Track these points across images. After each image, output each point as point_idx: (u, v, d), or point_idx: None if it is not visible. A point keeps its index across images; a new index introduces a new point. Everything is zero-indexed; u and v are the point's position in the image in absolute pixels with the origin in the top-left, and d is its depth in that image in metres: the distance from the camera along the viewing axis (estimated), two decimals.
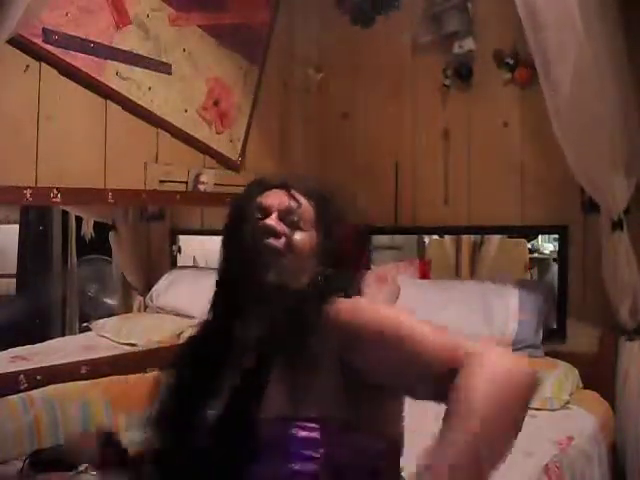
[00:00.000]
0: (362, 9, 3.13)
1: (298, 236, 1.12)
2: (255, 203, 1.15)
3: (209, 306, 1.18)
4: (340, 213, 1.20)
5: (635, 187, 2.45)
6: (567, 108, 2.34)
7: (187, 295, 2.76)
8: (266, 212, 1.14)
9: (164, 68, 2.65)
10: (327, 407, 1.01)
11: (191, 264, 3.14)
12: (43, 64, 2.25)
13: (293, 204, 1.14)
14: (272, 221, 1.12)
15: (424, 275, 3.13)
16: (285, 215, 1.13)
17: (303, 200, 1.16)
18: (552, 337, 2.76)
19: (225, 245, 1.18)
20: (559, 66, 2.29)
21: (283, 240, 1.11)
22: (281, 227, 1.11)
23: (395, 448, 1.11)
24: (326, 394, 1.01)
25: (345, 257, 1.17)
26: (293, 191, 1.16)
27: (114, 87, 2.46)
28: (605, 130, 2.34)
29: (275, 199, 1.15)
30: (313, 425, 0.99)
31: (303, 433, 0.99)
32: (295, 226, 1.13)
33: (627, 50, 2.38)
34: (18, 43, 2.13)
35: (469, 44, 2.90)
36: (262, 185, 1.19)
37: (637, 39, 2.43)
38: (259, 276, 1.09)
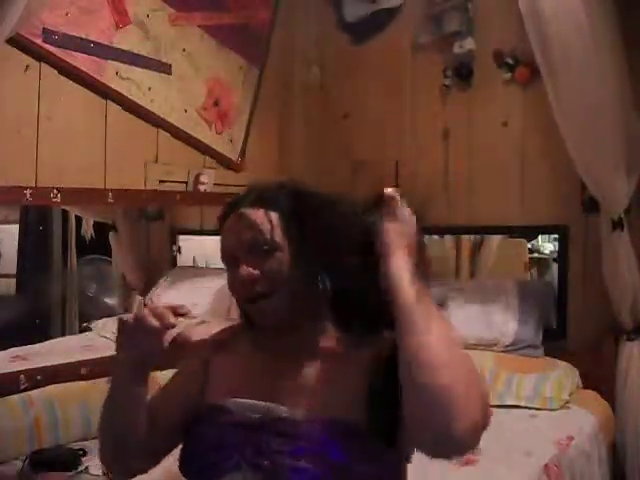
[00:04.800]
0: (360, 29, 3.18)
1: (273, 263, 1.01)
2: (223, 248, 1.06)
3: None
4: (318, 206, 1.04)
5: (635, 187, 2.45)
6: (569, 102, 2.34)
7: (187, 295, 2.75)
8: (234, 259, 1.04)
9: (164, 68, 2.65)
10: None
11: (191, 264, 3.14)
12: (43, 64, 2.25)
13: (254, 235, 1.02)
14: (243, 272, 1.02)
15: None
16: (251, 250, 1.02)
17: (264, 219, 1.03)
18: (552, 337, 2.76)
19: None
20: (561, 60, 2.29)
21: (260, 283, 1.02)
22: (249, 273, 1.01)
23: None
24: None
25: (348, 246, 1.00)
26: (254, 213, 1.04)
27: (114, 87, 2.46)
28: (606, 126, 2.34)
29: (236, 241, 1.04)
30: None
31: None
32: (267, 253, 1.02)
33: (625, 50, 2.39)
34: (18, 43, 2.14)
35: (469, 44, 2.90)
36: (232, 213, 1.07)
37: (634, 37, 2.44)
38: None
